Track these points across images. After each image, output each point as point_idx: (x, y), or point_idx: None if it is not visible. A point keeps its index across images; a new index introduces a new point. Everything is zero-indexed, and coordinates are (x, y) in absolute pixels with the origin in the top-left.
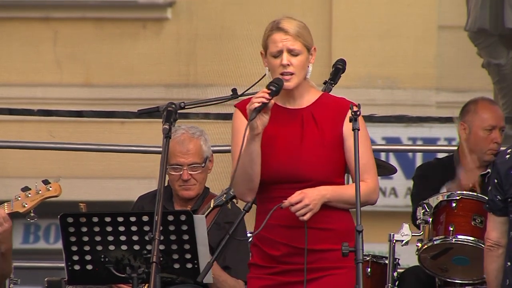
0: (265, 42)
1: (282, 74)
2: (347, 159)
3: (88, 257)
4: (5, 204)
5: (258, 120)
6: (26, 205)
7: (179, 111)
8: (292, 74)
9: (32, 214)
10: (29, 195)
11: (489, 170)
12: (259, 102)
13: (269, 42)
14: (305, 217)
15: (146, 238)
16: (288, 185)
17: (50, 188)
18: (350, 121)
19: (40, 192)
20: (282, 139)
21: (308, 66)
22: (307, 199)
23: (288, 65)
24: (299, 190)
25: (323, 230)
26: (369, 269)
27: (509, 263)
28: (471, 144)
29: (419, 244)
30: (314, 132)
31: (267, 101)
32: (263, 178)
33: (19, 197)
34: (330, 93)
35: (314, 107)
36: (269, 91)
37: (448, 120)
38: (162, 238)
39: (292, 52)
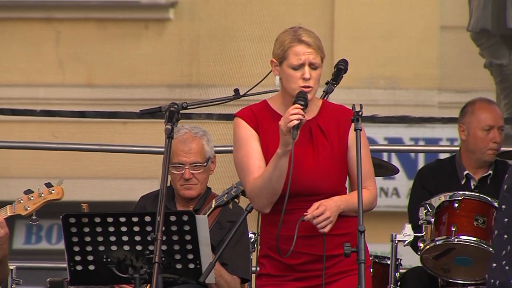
0: (284, 52)
1: (301, 87)
2: (351, 169)
3: (90, 258)
4: (7, 206)
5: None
6: (28, 208)
7: (181, 112)
8: (311, 87)
9: (34, 217)
10: (32, 198)
11: (490, 171)
12: (297, 119)
13: (290, 54)
14: (326, 229)
15: (149, 238)
16: (300, 198)
17: (53, 191)
18: (352, 121)
19: (42, 195)
20: (293, 152)
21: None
22: (328, 211)
23: (309, 78)
24: (317, 202)
25: (340, 235)
26: (371, 270)
27: (494, 264)
28: (471, 145)
29: (421, 245)
30: (325, 145)
31: (303, 117)
32: None
33: (22, 200)
34: (327, 100)
35: (319, 118)
36: (302, 107)
37: (450, 120)
38: (164, 238)
39: (312, 66)
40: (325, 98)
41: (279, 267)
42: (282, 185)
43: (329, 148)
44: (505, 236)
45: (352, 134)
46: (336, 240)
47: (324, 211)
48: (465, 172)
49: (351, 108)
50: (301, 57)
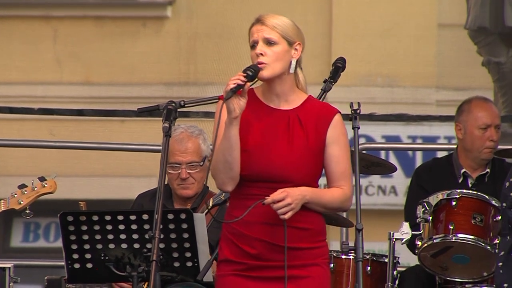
0: (248, 37)
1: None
2: (327, 166)
3: (88, 256)
4: (1, 201)
5: (235, 103)
6: (21, 202)
7: (179, 110)
8: (265, 64)
9: (27, 211)
10: (25, 192)
11: (488, 170)
12: (234, 83)
13: (249, 35)
14: (286, 216)
15: (146, 236)
16: (269, 184)
17: (46, 185)
18: (350, 120)
19: (36, 189)
20: (268, 139)
21: (291, 61)
22: (290, 198)
23: (261, 54)
24: (282, 189)
25: (300, 229)
26: (369, 268)
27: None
28: (467, 144)
29: (419, 243)
30: (300, 135)
31: (242, 83)
32: (245, 174)
33: (15, 194)
34: (314, 97)
35: (300, 110)
36: (244, 74)
37: (448, 118)
38: (162, 236)
39: (267, 42)
40: (323, 96)
41: (238, 254)
42: (236, 158)
43: (305, 140)
44: (508, 237)
45: (331, 132)
46: (296, 233)
47: (285, 197)
48: (463, 171)
49: (336, 108)
50: (254, 34)
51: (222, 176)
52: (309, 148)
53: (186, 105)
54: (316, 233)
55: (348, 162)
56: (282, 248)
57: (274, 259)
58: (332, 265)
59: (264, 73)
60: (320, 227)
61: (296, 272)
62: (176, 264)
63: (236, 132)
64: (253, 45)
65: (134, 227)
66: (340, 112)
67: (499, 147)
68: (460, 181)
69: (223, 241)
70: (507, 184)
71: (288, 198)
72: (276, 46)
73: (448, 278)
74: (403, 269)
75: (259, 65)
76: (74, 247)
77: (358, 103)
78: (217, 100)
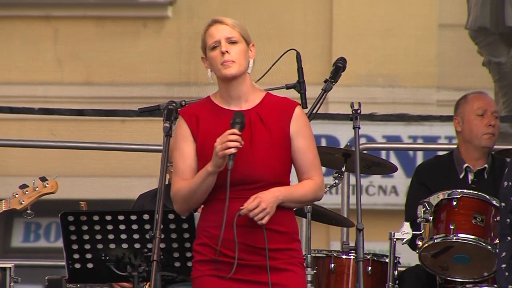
0: (203, 41)
1: (222, 64)
2: (296, 159)
3: (88, 256)
4: (3, 201)
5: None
6: (23, 202)
7: (179, 110)
8: (233, 62)
9: (29, 211)
10: (26, 192)
11: (486, 165)
12: (235, 148)
13: (207, 37)
14: (264, 221)
15: (147, 236)
16: (240, 187)
17: (47, 185)
18: (350, 120)
19: (37, 189)
20: None
21: (249, 61)
22: (264, 203)
23: (227, 51)
24: (254, 195)
25: (275, 231)
26: (369, 268)
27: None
28: (466, 133)
29: (420, 243)
30: (263, 133)
31: (240, 146)
32: (217, 180)
33: (17, 194)
34: (272, 93)
35: (260, 107)
36: (239, 133)
37: (448, 118)
38: (163, 236)
39: (230, 40)
40: (323, 96)
41: (214, 253)
42: (205, 196)
43: (268, 137)
44: (508, 238)
45: (294, 125)
46: (271, 235)
47: (259, 203)
48: (465, 165)
49: (296, 101)
50: (215, 35)
51: (184, 206)
52: (273, 145)
53: (186, 105)
54: (291, 234)
55: (315, 152)
56: (259, 249)
57: (252, 259)
58: (332, 265)
59: (233, 71)
60: (294, 228)
61: (274, 278)
62: (177, 264)
63: (215, 179)
64: (215, 46)
65: (135, 227)
66: (300, 105)
67: (500, 146)
68: (461, 176)
69: (199, 245)
70: (506, 183)
71: (262, 204)
72: (238, 45)
73: (448, 278)
74: (404, 269)
75: (225, 63)
76: (75, 247)
77: (359, 103)
78: None
